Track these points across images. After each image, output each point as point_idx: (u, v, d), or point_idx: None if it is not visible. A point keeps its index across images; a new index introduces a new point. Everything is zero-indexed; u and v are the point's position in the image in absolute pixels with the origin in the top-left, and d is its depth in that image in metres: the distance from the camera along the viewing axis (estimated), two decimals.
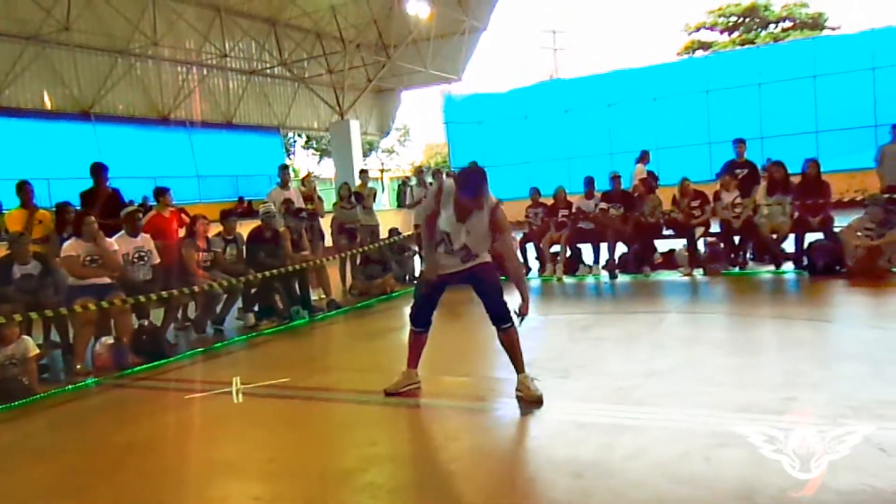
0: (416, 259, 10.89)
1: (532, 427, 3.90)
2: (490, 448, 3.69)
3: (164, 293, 6.69)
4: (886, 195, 8.65)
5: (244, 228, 8.45)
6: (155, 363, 6.17)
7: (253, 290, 7.94)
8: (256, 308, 7.94)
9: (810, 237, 8.52)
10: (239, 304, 7.87)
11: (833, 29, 32.16)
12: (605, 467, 3.15)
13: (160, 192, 8.32)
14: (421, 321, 4.73)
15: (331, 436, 4.07)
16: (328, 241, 10.86)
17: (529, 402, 4.17)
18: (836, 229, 8.28)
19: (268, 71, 24.22)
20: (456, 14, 23.93)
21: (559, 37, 44.74)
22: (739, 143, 9.84)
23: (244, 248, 8.05)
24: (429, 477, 3.26)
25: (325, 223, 10.76)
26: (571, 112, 21.74)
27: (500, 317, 4.38)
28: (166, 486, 3.42)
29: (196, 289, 7.02)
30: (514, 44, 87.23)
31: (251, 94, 24.36)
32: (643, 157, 12.08)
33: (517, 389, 4.30)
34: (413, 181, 14.44)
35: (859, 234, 7.79)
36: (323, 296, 8.63)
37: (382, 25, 22.71)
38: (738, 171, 9.52)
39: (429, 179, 11.34)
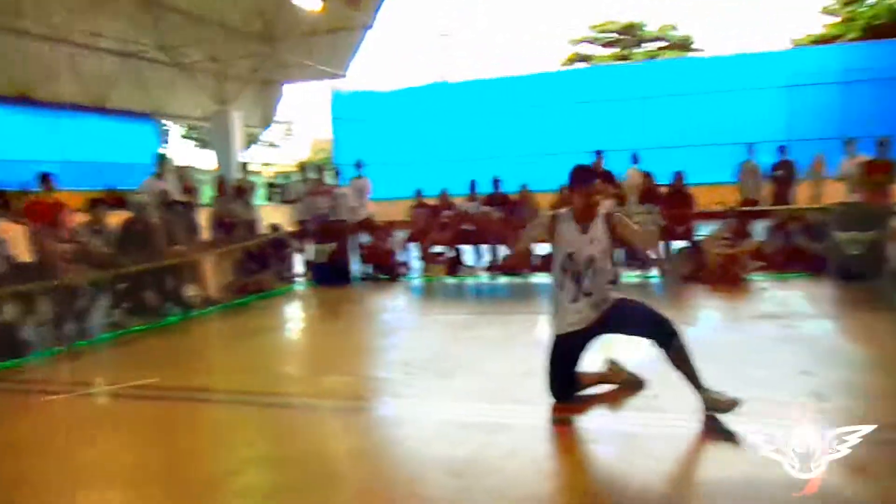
0: (297, 255, 10.72)
1: (413, 427, 3.92)
2: (370, 448, 3.68)
3: (20, 287, 6.22)
4: (743, 208, 9.37)
5: (114, 219, 8.00)
6: (9, 363, 5.72)
7: (122, 286, 7.53)
8: (125, 304, 7.54)
9: (676, 244, 9.10)
10: (107, 299, 7.44)
11: (699, 51, 34.36)
12: (484, 466, 3.22)
13: (44, 178, 7.91)
14: (567, 392, 4.08)
15: (203, 438, 3.93)
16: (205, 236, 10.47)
17: (726, 411, 3.61)
18: (699, 238, 8.87)
19: (145, 54, 22.97)
20: (343, 10, 23.66)
21: (449, 40, 45.23)
22: (598, 154, 10.47)
23: (114, 240, 7.62)
24: (307, 479, 3.22)
25: (204, 216, 10.37)
26: (457, 114, 22.05)
27: (663, 332, 3.81)
28: (23, 495, 3.19)
29: (57, 283, 6.57)
30: (404, 44, 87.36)
31: (125, 77, 23.00)
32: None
33: (706, 410, 3.68)
34: (295, 177, 14.18)
35: (718, 243, 8.42)
36: (198, 292, 8.32)
37: (269, 16, 22.11)
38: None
39: (313, 175, 11.17)
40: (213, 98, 22.75)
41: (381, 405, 4.35)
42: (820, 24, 29.07)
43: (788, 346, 5.20)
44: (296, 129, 45.00)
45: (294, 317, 8.49)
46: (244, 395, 4.59)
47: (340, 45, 24.99)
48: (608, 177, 10.01)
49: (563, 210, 4.14)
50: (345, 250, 10.03)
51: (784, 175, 11.35)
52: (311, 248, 10.29)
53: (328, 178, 10.85)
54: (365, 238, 10.62)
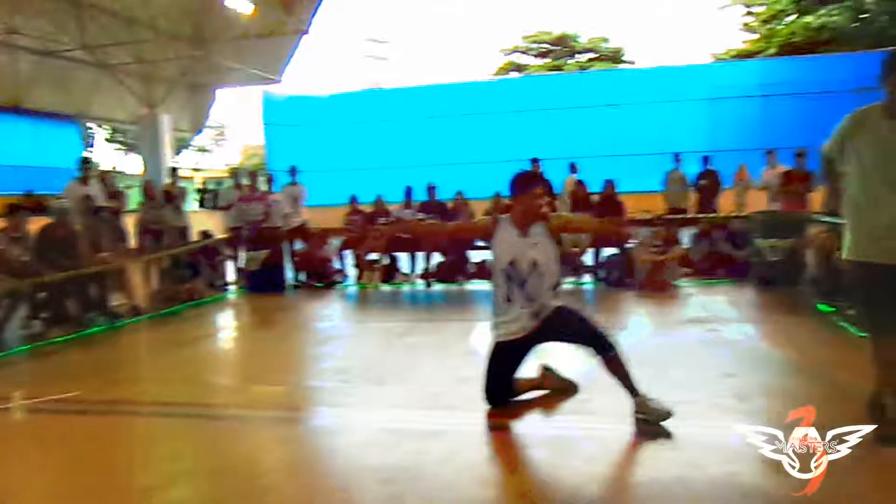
0: (229, 263, 10.49)
1: (346, 436, 3.89)
2: (303, 459, 3.63)
3: None
4: (670, 216, 9.68)
5: (34, 226, 7.66)
6: None
7: (42, 295, 7.21)
8: (45, 314, 7.22)
9: (606, 252, 9.30)
10: (25, 309, 7.12)
11: (629, 63, 35.32)
12: (417, 472, 3.22)
13: None
14: (502, 398, 4.08)
15: (128, 452, 3.79)
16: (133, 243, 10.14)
17: (658, 421, 3.64)
18: (629, 245, 9.10)
19: (66, 54, 22.08)
20: (277, 14, 23.34)
21: (384, 47, 45.21)
22: (534, 162, 10.65)
23: (33, 246, 7.29)
24: (238, 491, 3.15)
25: (131, 223, 10.05)
26: (392, 121, 22.01)
27: (600, 343, 3.83)
28: None
29: None
30: (338, 50, 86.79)
31: (45, 77, 22.06)
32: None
33: (636, 413, 3.71)
34: (227, 182, 13.93)
35: (647, 250, 8.66)
36: (124, 301, 8.04)
37: (199, 18, 21.63)
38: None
39: (245, 181, 10.96)
40: (140, 100, 22.10)
41: (316, 415, 4.30)
42: (740, 41, 30.42)
43: (712, 350, 5.40)
44: (228, 133, 44.18)
45: (226, 326, 8.31)
46: (172, 407, 4.46)
47: (275, 50, 24.63)
48: (546, 184, 10.17)
49: (503, 216, 4.17)
50: (278, 258, 9.88)
51: (708, 184, 11.78)
52: (243, 256, 10.10)
53: (261, 184, 10.67)
54: (299, 245, 10.49)
